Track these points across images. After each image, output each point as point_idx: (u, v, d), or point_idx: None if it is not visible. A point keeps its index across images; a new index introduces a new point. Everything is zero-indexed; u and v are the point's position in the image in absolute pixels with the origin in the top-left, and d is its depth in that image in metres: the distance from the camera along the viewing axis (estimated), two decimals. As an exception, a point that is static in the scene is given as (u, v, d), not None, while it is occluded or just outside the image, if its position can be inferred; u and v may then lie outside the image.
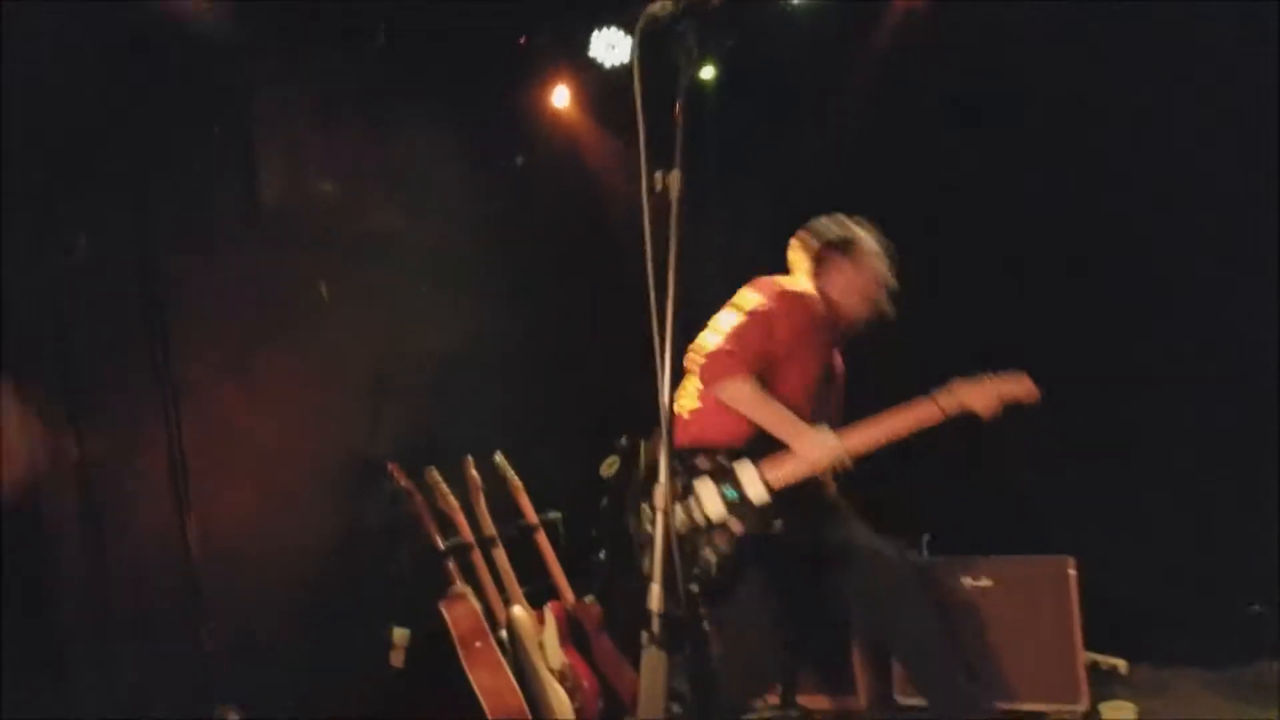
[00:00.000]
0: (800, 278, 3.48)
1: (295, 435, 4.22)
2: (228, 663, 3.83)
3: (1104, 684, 4.14)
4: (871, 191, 4.63)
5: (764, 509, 3.14)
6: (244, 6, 4.01)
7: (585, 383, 5.14)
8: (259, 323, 4.21)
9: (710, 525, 3.13)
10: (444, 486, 4.31)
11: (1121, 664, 4.27)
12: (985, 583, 4.06)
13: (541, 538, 4.48)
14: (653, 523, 3.10)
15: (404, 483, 4.29)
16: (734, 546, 3.12)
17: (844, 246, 3.45)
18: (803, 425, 3.18)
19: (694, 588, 2.86)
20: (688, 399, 3.35)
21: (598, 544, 4.93)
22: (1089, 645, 4.02)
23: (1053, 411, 4.47)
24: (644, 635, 1.77)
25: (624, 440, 5.28)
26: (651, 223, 1.88)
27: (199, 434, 3.94)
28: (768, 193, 5.17)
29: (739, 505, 3.14)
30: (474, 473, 4.43)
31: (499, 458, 4.55)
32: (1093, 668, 4.11)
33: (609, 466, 5.27)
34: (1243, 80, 4.21)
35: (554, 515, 4.68)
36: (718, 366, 3.20)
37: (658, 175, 1.92)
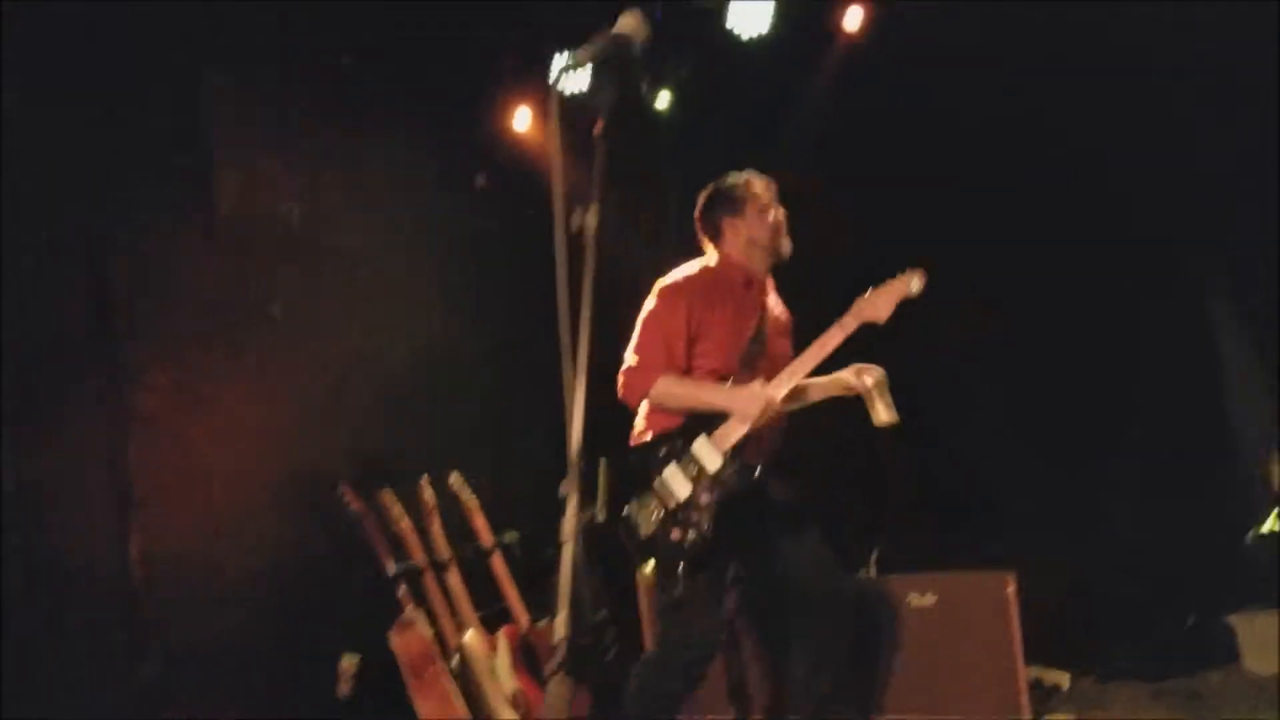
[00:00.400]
0: (709, 252, 3.70)
1: (245, 456, 4.19)
2: (169, 689, 3.79)
3: (1046, 698, 4.22)
4: (827, 213, 4.76)
5: (719, 473, 3.37)
6: (210, 21, 4.04)
7: (546, 401, 5.17)
8: (211, 340, 4.21)
9: (687, 504, 3.37)
10: (397, 508, 4.29)
11: (1064, 680, 4.35)
12: (929, 599, 4.13)
13: (497, 560, 4.47)
14: (632, 528, 3.37)
15: (355, 504, 4.26)
16: (712, 518, 3.35)
17: (726, 206, 3.65)
18: (726, 389, 3.41)
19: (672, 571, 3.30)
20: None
21: (554, 563, 4.96)
22: (1033, 659, 4.10)
23: (1000, 427, 4.60)
24: (550, 664, 1.81)
25: (580, 463, 5.32)
26: (571, 260, 1.92)
27: (146, 455, 3.91)
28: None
29: (701, 477, 3.37)
30: (429, 494, 4.43)
31: (455, 478, 4.56)
32: (1035, 684, 4.19)
33: (567, 487, 5.28)
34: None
35: (510, 537, 4.67)
36: (630, 384, 3.46)
37: (576, 211, 1.97)
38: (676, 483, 3.40)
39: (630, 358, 3.48)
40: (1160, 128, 4.53)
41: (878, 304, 3.36)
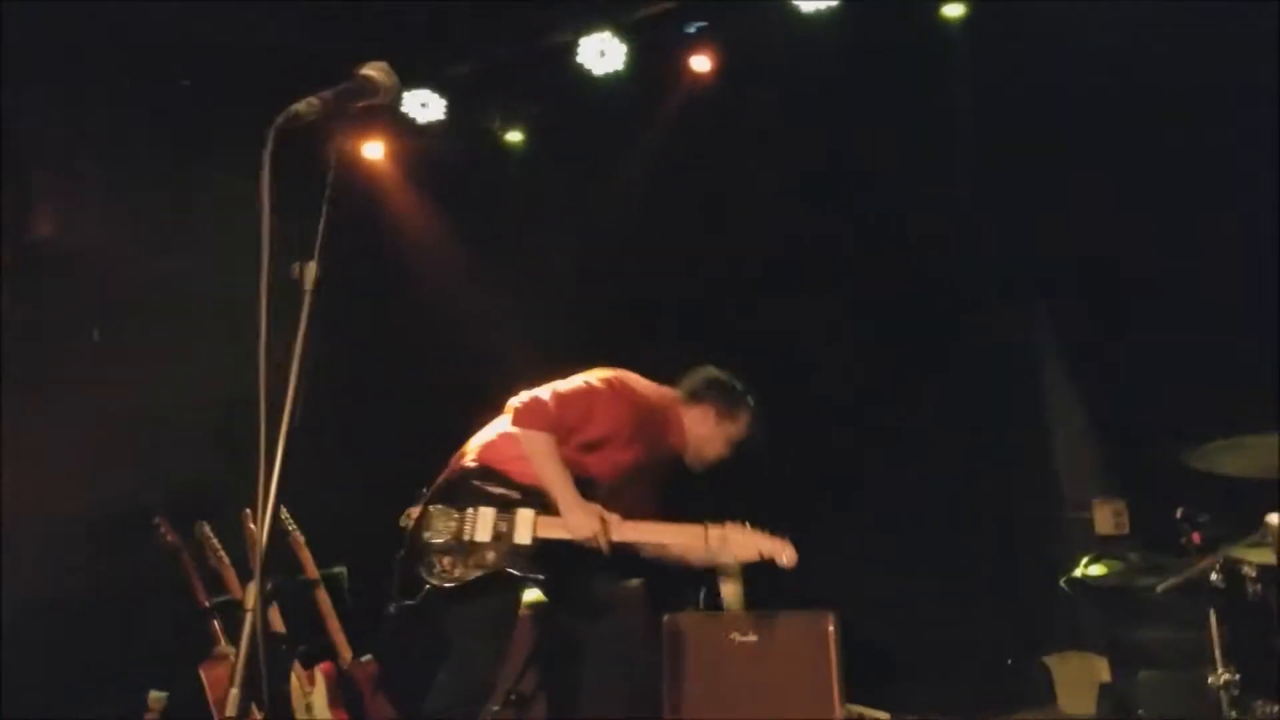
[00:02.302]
0: (670, 392, 3.71)
1: (58, 483, 4.08)
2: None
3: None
4: (663, 254, 4.81)
5: (517, 551, 3.34)
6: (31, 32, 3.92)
7: (384, 432, 5.12)
8: (26, 364, 4.10)
9: (472, 545, 3.35)
10: (214, 541, 4.22)
11: (884, 717, 4.42)
12: (751, 638, 4.16)
13: (322, 594, 4.41)
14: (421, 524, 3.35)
15: (170, 537, 4.19)
16: (478, 578, 3.32)
17: (724, 404, 3.68)
18: (576, 496, 3.36)
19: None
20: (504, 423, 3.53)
21: (388, 596, 4.90)
22: (854, 699, 4.16)
23: (822, 469, 4.67)
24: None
25: (425, 491, 5.28)
26: (273, 314, 1.89)
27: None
28: (570, 252, 5.29)
29: (502, 539, 3.35)
30: (252, 526, 4.35)
31: (281, 511, 4.46)
32: (857, 720, 4.25)
33: (408, 517, 5.23)
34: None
35: (338, 570, 4.61)
36: (528, 413, 3.40)
37: (295, 265, 1.95)
38: (484, 524, 3.38)
39: (549, 395, 3.44)
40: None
41: (745, 547, 3.33)
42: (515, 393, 3.50)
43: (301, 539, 4.47)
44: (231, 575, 4.22)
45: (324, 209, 1.93)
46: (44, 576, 4.03)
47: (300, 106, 1.93)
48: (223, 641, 4.09)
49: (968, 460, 4.73)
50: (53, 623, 4.03)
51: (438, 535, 3.40)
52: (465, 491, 3.45)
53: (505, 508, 3.39)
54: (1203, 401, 3.99)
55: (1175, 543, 3.40)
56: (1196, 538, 3.37)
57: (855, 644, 4.06)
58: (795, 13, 4.66)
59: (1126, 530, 4.71)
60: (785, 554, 3.30)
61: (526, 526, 3.37)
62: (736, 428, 3.69)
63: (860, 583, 4.48)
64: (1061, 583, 4.51)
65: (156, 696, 4.04)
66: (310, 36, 4.75)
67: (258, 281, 1.88)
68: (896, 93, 4.70)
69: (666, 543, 3.47)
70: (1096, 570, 4.31)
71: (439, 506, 3.44)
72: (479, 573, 3.33)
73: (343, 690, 4.24)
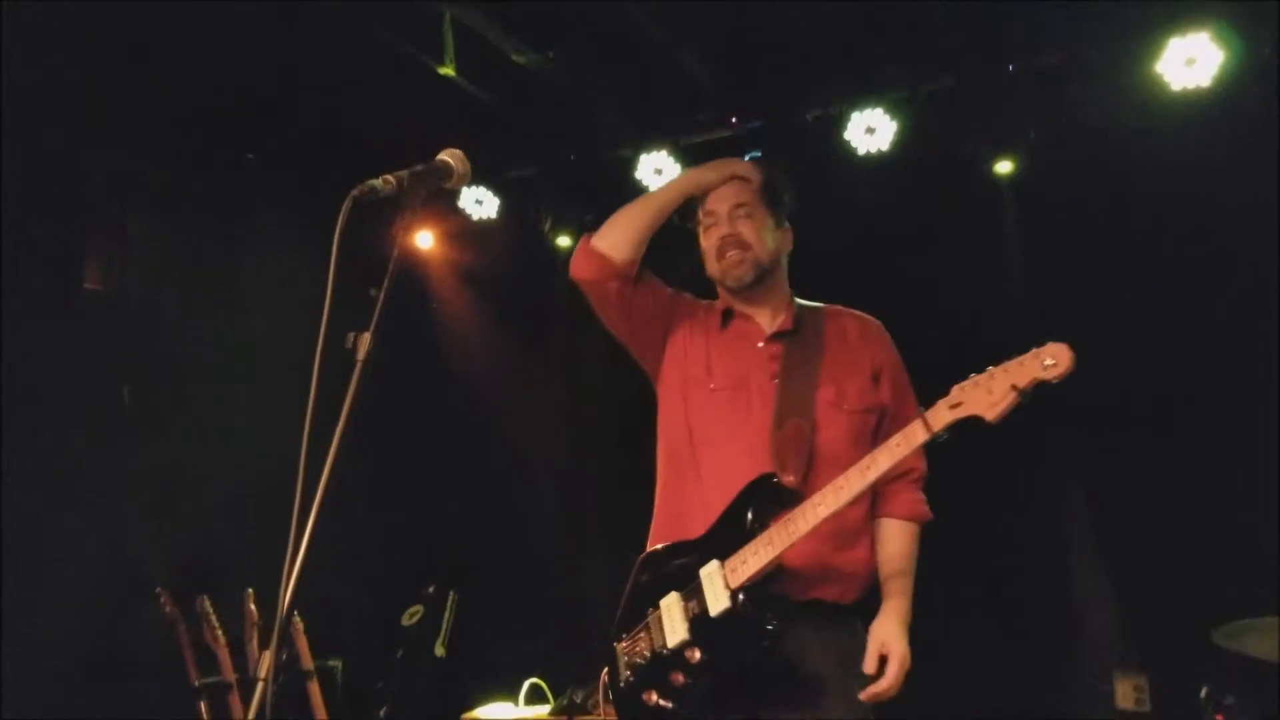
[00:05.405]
0: None
1: (64, 544, 4.03)
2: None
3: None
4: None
5: (721, 618, 2.36)
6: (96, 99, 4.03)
7: (393, 525, 5.05)
8: (56, 420, 4.08)
9: (675, 655, 2.41)
10: (213, 618, 4.12)
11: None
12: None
13: (313, 685, 4.27)
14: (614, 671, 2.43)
15: (169, 610, 4.10)
16: (705, 691, 2.39)
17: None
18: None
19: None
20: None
21: (382, 697, 4.75)
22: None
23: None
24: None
25: (430, 589, 5.18)
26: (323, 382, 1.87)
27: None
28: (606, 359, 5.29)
29: (700, 621, 2.40)
30: (252, 606, 4.24)
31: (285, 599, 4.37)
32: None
33: (410, 616, 5.13)
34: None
35: (334, 662, 4.50)
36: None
37: (350, 335, 1.94)
38: (671, 619, 2.44)
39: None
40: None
41: (993, 390, 2.26)
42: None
43: (301, 625, 4.36)
44: (225, 655, 4.11)
45: (385, 282, 1.91)
46: (42, 640, 3.93)
47: (377, 182, 1.95)
48: (207, 723, 3.95)
49: (987, 622, 4.58)
50: (51, 688, 3.91)
51: (624, 670, 2.50)
52: (638, 599, 2.55)
53: (686, 581, 2.46)
54: (1232, 579, 3.88)
55: (1197, 723, 3.26)
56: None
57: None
58: (850, 151, 4.73)
59: (1148, 707, 4.54)
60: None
61: (718, 585, 2.39)
62: (708, 215, 2.77)
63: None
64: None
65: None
66: (375, 120, 4.89)
67: (314, 345, 1.84)
68: (944, 239, 4.71)
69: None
70: (1114, 750, 4.14)
71: (624, 638, 2.53)
72: (699, 688, 2.38)
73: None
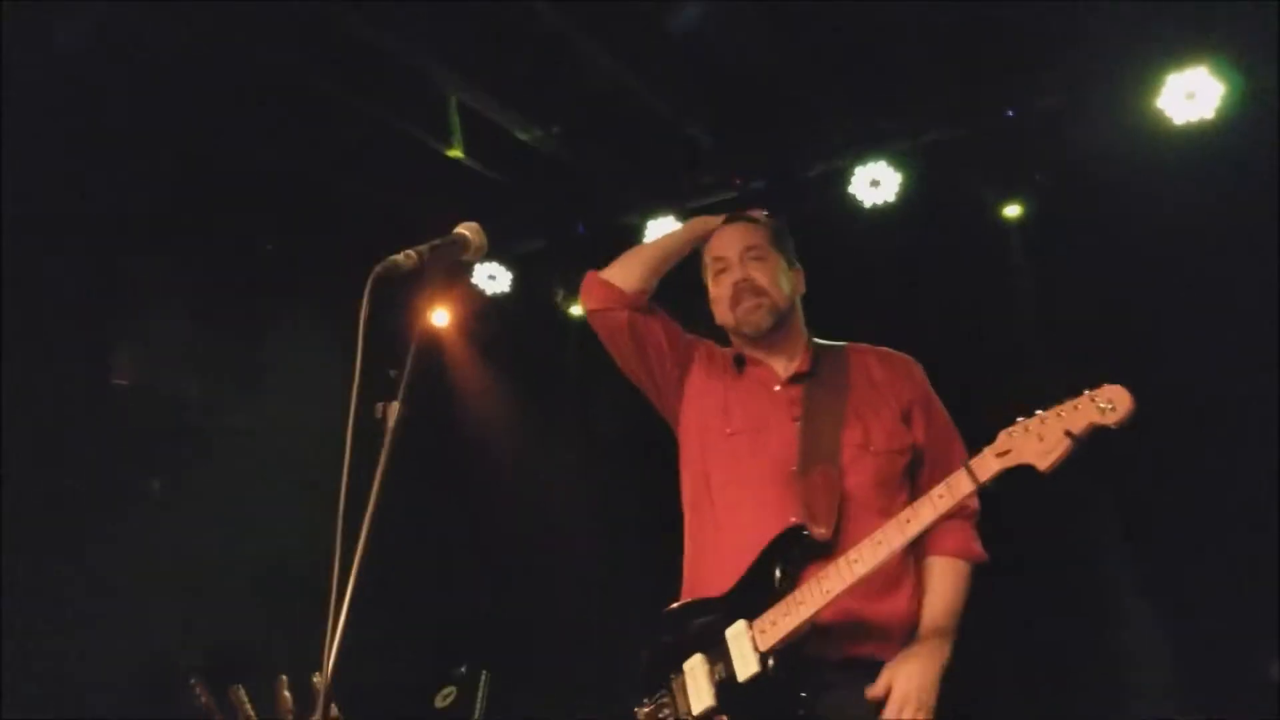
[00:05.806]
0: None
1: (97, 635, 4.02)
2: None
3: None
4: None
5: (750, 682, 2.22)
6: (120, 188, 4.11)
7: (425, 608, 5.01)
8: (84, 509, 4.10)
9: None
10: (248, 708, 4.06)
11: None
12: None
13: (347, 777, 4.22)
14: None
15: (205, 699, 4.05)
16: None
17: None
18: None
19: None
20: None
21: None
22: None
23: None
24: None
25: (463, 670, 5.10)
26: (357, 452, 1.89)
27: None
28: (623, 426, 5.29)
29: (727, 685, 2.25)
30: (286, 694, 4.18)
31: (318, 679, 4.32)
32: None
33: (444, 698, 5.05)
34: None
35: (368, 752, 4.41)
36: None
37: (379, 405, 1.96)
38: (696, 684, 2.30)
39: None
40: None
41: (1045, 436, 2.10)
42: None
43: (337, 715, 4.29)
44: (260, 746, 4.04)
45: (411, 351, 1.93)
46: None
47: (399, 257, 1.98)
48: (242, 815, 3.88)
49: (1040, 670, 4.48)
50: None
51: None
52: (659, 660, 2.41)
53: (710, 642, 2.31)
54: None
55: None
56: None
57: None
58: (856, 205, 4.76)
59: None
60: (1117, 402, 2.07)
61: (744, 648, 2.25)
62: (715, 263, 2.70)
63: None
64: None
65: None
66: (387, 203, 4.97)
67: (337, 425, 1.86)
68: (953, 291, 4.70)
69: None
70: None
71: (644, 707, 2.39)
72: None
73: None
